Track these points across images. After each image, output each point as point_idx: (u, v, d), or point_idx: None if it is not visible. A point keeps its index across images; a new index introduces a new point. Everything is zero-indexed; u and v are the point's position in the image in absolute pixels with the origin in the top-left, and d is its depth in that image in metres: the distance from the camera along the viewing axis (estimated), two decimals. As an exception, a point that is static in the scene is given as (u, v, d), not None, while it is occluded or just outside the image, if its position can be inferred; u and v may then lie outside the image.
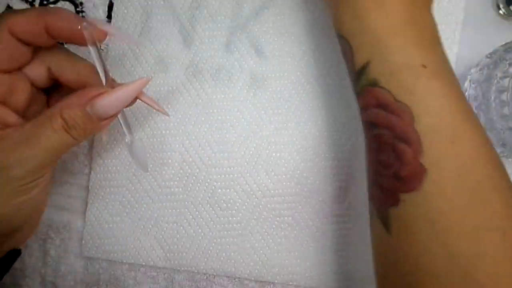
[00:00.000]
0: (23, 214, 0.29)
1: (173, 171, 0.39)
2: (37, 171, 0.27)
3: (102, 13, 0.41)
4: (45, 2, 0.41)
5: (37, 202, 0.30)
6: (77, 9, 0.41)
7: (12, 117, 0.29)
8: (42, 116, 0.27)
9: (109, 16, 0.41)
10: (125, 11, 0.40)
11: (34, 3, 0.41)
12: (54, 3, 0.41)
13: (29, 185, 0.27)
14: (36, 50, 0.30)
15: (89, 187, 0.40)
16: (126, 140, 0.32)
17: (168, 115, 0.34)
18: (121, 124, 0.31)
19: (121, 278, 0.39)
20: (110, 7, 0.41)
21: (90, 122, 0.27)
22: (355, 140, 0.39)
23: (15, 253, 0.33)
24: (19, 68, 0.30)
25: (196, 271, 0.39)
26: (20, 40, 0.28)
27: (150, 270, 0.40)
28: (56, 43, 0.30)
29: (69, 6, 0.41)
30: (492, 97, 0.35)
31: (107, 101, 0.28)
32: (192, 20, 0.40)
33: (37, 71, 0.30)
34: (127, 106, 0.30)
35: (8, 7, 0.41)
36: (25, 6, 0.41)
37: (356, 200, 0.39)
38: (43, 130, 0.27)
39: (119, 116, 0.30)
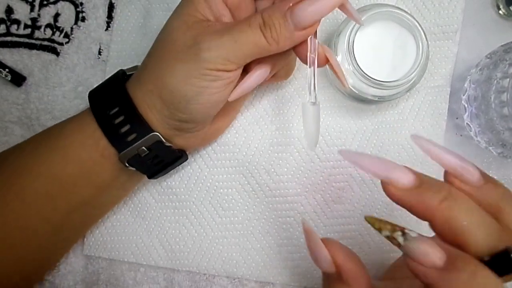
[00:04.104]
0: (199, 104, 0.30)
1: (175, 171, 0.39)
2: (223, 62, 0.29)
3: (102, 13, 0.41)
4: (45, 2, 0.41)
5: (215, 101, 0.31)
6: (77, 9, 0.41)
7: (226, 13, 0.31)
8: (246, 17, 0.29)
9: (109, 17, 0.41)
10: (129, 13, 0.41)
11: (34, 3, 0.41)
12: (54, 3, 0.41)
13: (213, 73, 0.29)
14: None
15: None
16: (308, 99, 0.31)
17: (346, 85, 0.33)
18: (309, 79, 0.31)
19: (121, 278, 0.39)
20: (111, 7, 0.41)
21: (286, 26, 0.28)
22: (356, 141, 0.39)
23: (183, 155, 0.36)
24: None
25: (197, 271, 0.39)
26: None
27: (150, 270, 0.40)
28: None
29: (69, 6, 0.41)
30: (492, 98, 0.35)
31: (305, 9, 0.28)
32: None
33: None
34: (320, 66, 0.31)
35: (8, 7, 0.41)
36: (25, 6, 0.41)
37: (358, 200, 0.39)
38: (241, 26, 0.29)
39: (309, 70, 0.31)
